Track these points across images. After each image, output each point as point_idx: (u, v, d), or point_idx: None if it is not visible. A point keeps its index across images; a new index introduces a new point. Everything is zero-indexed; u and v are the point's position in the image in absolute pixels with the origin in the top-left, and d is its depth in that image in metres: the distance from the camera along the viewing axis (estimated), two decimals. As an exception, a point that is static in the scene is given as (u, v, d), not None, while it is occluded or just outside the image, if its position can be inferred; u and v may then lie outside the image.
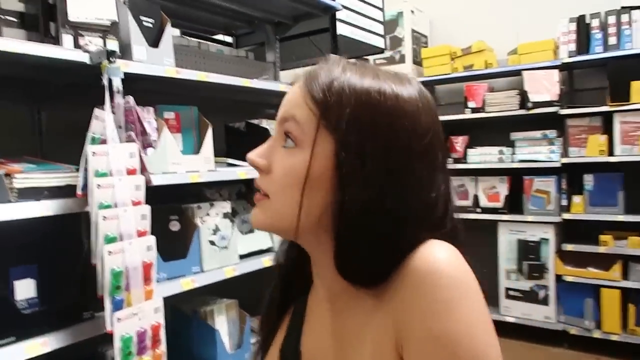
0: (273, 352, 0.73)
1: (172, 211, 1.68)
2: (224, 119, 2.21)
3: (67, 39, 1.42)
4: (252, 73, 2.39)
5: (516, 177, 3.46)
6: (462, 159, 3.61)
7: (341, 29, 2.64)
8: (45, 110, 1.72)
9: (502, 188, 3.48)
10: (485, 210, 3.51)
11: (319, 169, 0.58)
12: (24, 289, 1.25)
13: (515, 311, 3.36)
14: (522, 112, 3.36)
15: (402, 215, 0.57)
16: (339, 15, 2.59)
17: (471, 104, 3.59)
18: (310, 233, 0.62)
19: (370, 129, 0.57)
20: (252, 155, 0.63)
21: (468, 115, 3.58)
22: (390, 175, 0.57)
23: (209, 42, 2.54)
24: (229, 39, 2.90)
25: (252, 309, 1.92)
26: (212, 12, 2.36)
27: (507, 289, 3.41)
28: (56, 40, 1.46)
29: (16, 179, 1.26)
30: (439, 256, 0.55)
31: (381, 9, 3.06)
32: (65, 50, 1.39)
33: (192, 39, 2.51)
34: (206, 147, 1.79)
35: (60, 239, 1.35)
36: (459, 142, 3.66)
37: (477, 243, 3.83)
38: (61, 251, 1.34)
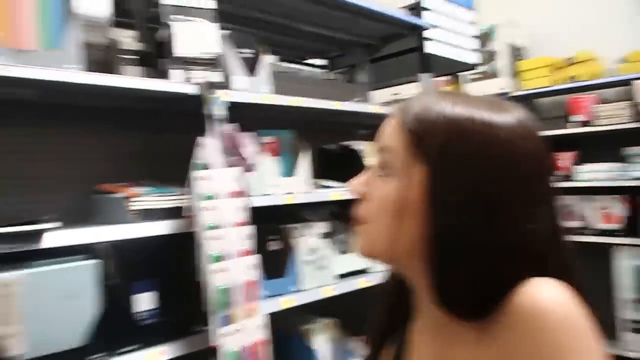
0: None
1: (271, 231, 1.74)
2: (319, 141, 2.27)
3: (176, 73, 1.54)
4: (344, 95, 2.44)
5: (633, 196, 3.15)
6: (569, 177, 3.37)
7: (431, 48, 2.62)
8: (158, 137, 1.88)
9: (618, 208, 3.18)
10: (598, 233, 3.22)
11: (411, 197, 0.59)
12: (145, 302, 1.36)
13: (638, 346, 3.02)
14: (636, 125, 3.07)
15: (495, 248, 0.55)
16: (428, 33, 2.57)
17: (577, 117, 3.36)
18: (405, 261, 0.63)
19: (462, 158, 0.57)
20: (353, 183, 0.66)
21: (574, 129, 3.35)
22: (481, 206, 0.56)
23: (304, 67, 2.64)
24: (324, 61, 2.99)
25: (348, 329, 1.92)
26: (305, 39, 2.46)
27: (628, 321, 3.08)
28: (166, 75, 1.59)
29: (135, 202, 1.39)
30: (545, 295, 0.52)
31: (473, 24, 2.98)
32: (174, 84, 1.52)
33: (289, 64, 2.63)
34: (302, 170, 1.85)
35: (174, 256, 1.45)
36: (565, 158, 3.42)
37: (587, 268, 3.49)
38: (175, 267, 1.44)
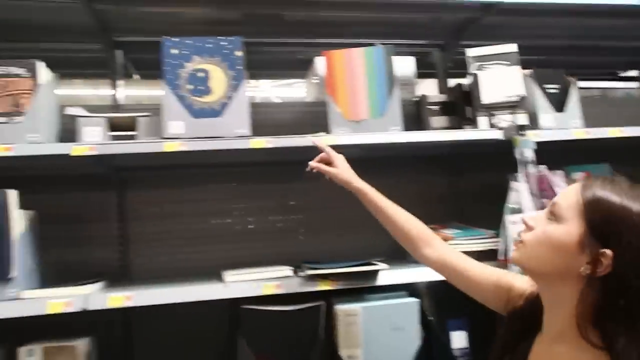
0: None
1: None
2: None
3: (482, 120, 1.63)
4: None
5: None
6: None
7: None
8: (463, 179, 2.00)
9: None
10: None
11: (567, 243, 0.80)
12: (458, 339, 1.47)
13: None
14: None
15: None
16: None
17: None
18: (548, 282, 0.85)
19: (619, 233, 0.76)
20: (527, 216, 0.90)
21: None
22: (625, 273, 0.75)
23: (613, 86, 2.37)
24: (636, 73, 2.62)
25: None
26: (611, 55, 2.22)
27: None
28: (472, 122, 1.69)
29: (449, 244, 1.51)
30: None
31: None
32: (481, 132, 1.60)
33: (594, 85, 2.41)
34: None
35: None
36: None
37: None
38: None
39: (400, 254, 1.75)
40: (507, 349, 0.93)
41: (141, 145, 1.35)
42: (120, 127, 1.46)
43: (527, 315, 0.92)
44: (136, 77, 2.22)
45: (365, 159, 1.90)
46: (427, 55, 2.15)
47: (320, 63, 1.96)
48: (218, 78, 1.43)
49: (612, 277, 0.75)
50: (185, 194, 1.83)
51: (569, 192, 0.83)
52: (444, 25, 1.96)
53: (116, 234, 1.76)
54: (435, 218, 1.84)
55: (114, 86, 1.76)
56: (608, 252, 0.75)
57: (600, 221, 0.77)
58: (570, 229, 0.79)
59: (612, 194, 0.78)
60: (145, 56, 1.95)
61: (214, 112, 1.42)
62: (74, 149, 1.28)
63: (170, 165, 1.78)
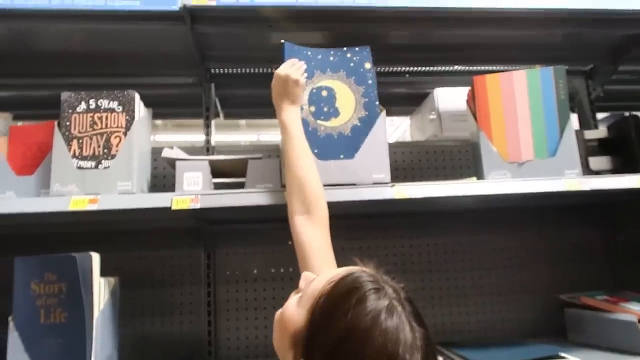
0: None
1: None
2: None
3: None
4: None
5: None
6: None
7: None
8: (622, 235, 1.62)
9: None
10: None
11: (290, 327, 0.67)
12: None
13: None
14: None
15: None
16: None
17: None
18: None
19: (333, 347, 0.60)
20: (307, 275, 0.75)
21: None
22: None
23: None
24: None
25: None
26: None
27: None
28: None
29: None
30: None
31: None
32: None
33: None
34: None
35: None
36: None
37: None
38: None
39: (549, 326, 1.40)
40: None
41: (257, 195, 1.05)
42: (223, 172, 1.18)
43: None
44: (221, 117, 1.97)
45: (485, 210, 1.57)
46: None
47: (440, 95, 1.67)
48: (345, 96, 1.13)
49: None
50: (285, 252, 1.52)
51: (324, 276, 0.68)
52: (589, 45, 1.60)
53: (204, 299, 1.46)
54: (581, 280, 1.55)
55: (208, 126, 1.49)
56: None
57: (319, 326, 0.63)
58: (299, 317, 0.67)
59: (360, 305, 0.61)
60: (232, 92, 1.69)
61: (342, 137, 1.10)
62: (176, 201, 1.00)
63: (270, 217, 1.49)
